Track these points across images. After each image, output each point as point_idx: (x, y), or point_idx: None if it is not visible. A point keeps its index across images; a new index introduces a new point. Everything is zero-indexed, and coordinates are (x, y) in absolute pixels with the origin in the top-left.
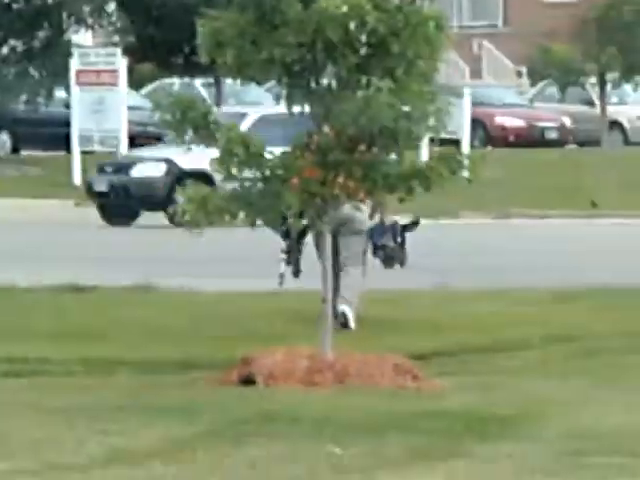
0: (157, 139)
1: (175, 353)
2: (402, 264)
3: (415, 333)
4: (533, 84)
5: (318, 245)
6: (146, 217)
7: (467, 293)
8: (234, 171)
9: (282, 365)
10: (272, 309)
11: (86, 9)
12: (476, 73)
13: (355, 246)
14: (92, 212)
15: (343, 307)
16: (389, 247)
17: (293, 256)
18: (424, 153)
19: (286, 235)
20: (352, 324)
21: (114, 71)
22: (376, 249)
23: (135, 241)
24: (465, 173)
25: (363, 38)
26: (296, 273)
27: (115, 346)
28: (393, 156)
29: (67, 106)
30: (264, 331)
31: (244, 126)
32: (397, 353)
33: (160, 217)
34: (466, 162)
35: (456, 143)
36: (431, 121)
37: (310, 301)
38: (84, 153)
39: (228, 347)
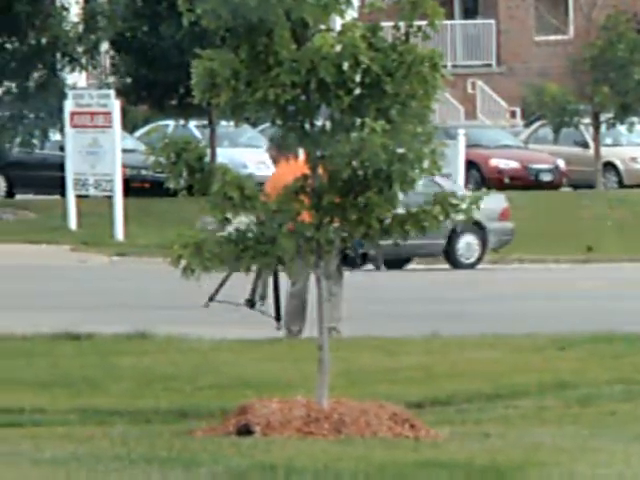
0: (151, 182)
1: (171, 402)
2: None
3: (410, 381)
4: (527, 125)
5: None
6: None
7: (462, 340)
8: (229, 215)
9: (279, 415)
10: (268, 356)
11: (79, 49)
12: (470, 113)
13: (332, 265)
14: (88, 257)
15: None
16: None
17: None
18: None
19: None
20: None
21: (108, 113)
22: (356, 257)
23: (133, 287)
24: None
25: (357, 78)
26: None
27: (110, 395)
28: (388, 199)
29: (62, 149)
30: (260, 379)
31: None
32: (393, 401)
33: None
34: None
35: None
36: (426, 163)
37: (306, 348)
38: (79, 197)
39: (224, 396)
